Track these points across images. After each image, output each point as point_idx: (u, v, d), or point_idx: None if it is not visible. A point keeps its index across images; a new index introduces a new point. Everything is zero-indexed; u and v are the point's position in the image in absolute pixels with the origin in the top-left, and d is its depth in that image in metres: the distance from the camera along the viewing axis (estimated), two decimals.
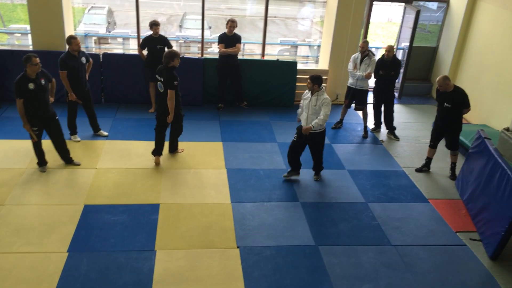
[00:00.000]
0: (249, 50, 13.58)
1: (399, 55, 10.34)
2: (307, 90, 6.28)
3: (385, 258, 5.24)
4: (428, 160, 7.24)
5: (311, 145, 6.45)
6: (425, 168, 7.25)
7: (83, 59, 7.09)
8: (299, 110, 6.52)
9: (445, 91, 6.60)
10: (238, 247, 5.24)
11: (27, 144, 6.57)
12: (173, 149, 7.13)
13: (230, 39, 8.56)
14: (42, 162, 6.46)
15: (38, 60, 5.89)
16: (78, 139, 7.36)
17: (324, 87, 6.09)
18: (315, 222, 5.74)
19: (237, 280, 4.76)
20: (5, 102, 8.38)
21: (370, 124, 8.65)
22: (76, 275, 4.67)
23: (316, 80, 6.05)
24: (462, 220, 6.03)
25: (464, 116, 7.08)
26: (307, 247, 5.34)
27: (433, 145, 7.14)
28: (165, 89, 6.32)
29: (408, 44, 9.82)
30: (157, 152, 6.80)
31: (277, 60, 9.34)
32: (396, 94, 10.15)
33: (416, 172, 7.20)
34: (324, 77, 9.44)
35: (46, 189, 6.08)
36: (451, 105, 6.60)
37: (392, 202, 6.33)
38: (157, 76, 6.42)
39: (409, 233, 5.71)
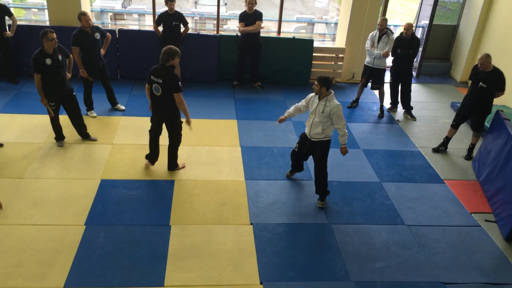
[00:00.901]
0: (265, 27, 13.42)
1: (418, 33, 10.15)
2: (312, 94, 5.48)
3: (398, 238, 5.25)
4: (447, 139, 7.16)
5: (315, 154, 5.63)
6: (442, 147, 7.17)
7: (97, 35, 7.06)
8: (292, 109, 5.72)
9: (484, 70, 6.44)
10: (251, 224, 5.29)
11: (45, 119, 6.67)
12: (173, 166, 6.12)
13: (250, 17, 8.46)
14: (59, 137, 6.56)
15: (54, 35, 5.91)
16: (95, 114, 7.43)
17: (332, 92, 5.34)
18: (329, 200, 5.75)
19: (250, 255, 4.82)
20: (23, 77, 8.48)
21: (387, 103, 8.55)
22: (93, 247, 4.78)
23: (324, 82, 5.22)
24: (477, 201, 5.98)
25: None
26: (320, 225, 5.37)
27: (455, 125, 7.04)
28: (165, 93, 5.41)
29: (427, 22, 9.61)
30: (152, 159, 6.11)
31: (293, 37, 9.23)
32: (414, 73, 10.00)
33: (433, 152, 7.13)
34: (340, 55, 9.35)
35: (63, 163, 6.19)
36: (486, 86, 6.45)
37: (406, 182, 6.29)
38: (152, 77, 5.42)
39: (423, 213, 5.69)
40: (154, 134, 5.92)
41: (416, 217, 5.62)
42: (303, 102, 5.63)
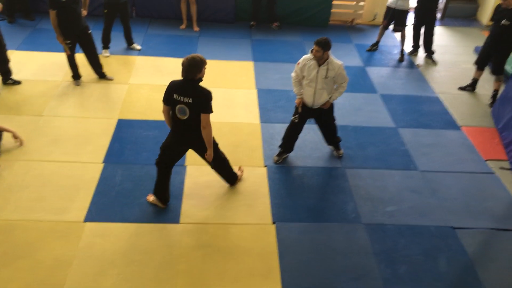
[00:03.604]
0: None
1: None
2: (306, 58, 4.91)
3: (410, 183, 5.29)
4: (474, 80, 7.14)
5: (321, 120, 5.31)
6: (469, 88, 7.18)
7: None
8: (297, 86, 5.10)
9: (507, 7, 6.28)
10: (265, 166, 5.36)
11: (62, 57, 6.67)
12: (234, 180, 5.04)
13: None
14: (76, 75, 6.58)
15: None
16: (108, 54, 7.38)
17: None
18: (343, 145, 5.75)
19: (263, 196, 4.93)
20: (39, 14, 8.40)
21: (408, 47, 8.30)
22: (112, 183, 4.93)
23: (327, 45, 4.69)
24: (493, 149, 5.93)
25: None
26: (333, 169, 5.41)
27: (479, 67, 6.98)
28: (193, 115, 4.15)
29: None
30: (164, 199, 4.72)
31: None
32: (439, 15, 9.61)
33: (459, 89, 7.17)
34: None
35: (81, 102, 6.25)
36: (510, 23, 6.29)
37: (423, 128, 6.24)
38: (175, 96, 4.11)
39: (437, 159, 5.68)
40: (167, 166, 4.61)
41: (430, 163, 5.62)
42: (297, 72, 5.03)
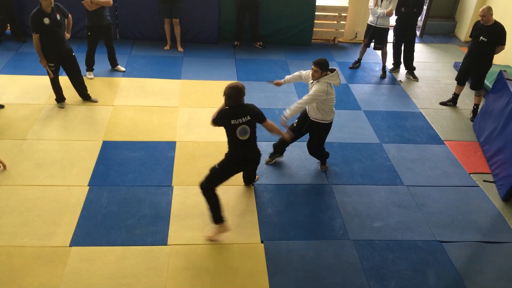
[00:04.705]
0: None
1: None
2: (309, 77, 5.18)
3: (397, 198, 5.33)
4: (455, 96, 7.29)
5: (313, 132, 5.40)
6: (450, 103, 7.32)
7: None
8: (291, 75, 5.41)
9: (485, 23, 6.45)
10: (252, 185, 5.36)
11: (45, 80, 6.64)
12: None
13: None
14: (60, 98, 6.55)
15: None
16: (92, 76, 7.36)
17: (330, 73, 5.02)
18: (329, 161, 5.79)
19: (251, 215, 4.92)
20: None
21: (389, 64, 8.46)
22: (97, 207, 4.87)
23: (325, 66, 4.91)
24: (477, 162, 6.03)
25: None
26: (320, 186, 5.44)
27: (459, 82, 7.15)
28: (252, 132, 4.52)
29: None
30: (221, 219, 4.61)
31: None
32: (418, 33, 9.83)
33: (440, 104, 7.31)
34: (343, 14, 9.18)
35: (65, 124, 6.20)
36: (487, 39, 6.46)
37: (407, 143, 6.32)
38: (233, 122, 4.39)
39: (422, 173, 5.75)
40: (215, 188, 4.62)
41: (415, 177, 5.68)
42: (306, 73, 5.30)
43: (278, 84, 5.54)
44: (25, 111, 6.38)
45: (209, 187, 4.51)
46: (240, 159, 4.60)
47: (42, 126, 6.11)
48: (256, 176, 5.35)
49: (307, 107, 5.26)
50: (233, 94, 4.35)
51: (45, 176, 5.25)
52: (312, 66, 4.96)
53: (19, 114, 6.30)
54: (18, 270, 4.11)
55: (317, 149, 5.53)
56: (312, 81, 5.12)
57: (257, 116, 4.53)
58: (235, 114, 4.40)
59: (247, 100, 4.40)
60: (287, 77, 5.49)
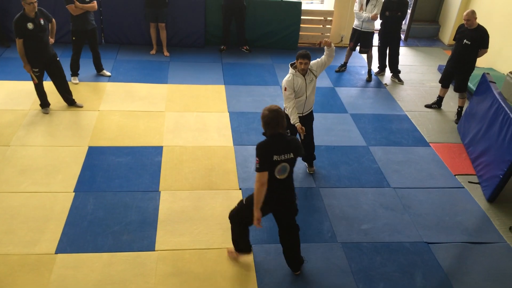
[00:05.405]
0: None
1: None
2: (289, 79, 4.97)
3: (384, 200, 5.36)
4: (440, 98, 7.38)
5: (306, 128, 5.17)
6: (435, 105, 7.41)
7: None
8: (293, 111, 4.96)
9: (469, 27, 6.53)
10: (240, 189, 5.34)
11: (29, 85, 6.56)
12: (298, 266, 4.37)
13: None
14: (44, 103, 6.47)
15: None
16: (77, 81, 7.29)
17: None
18: (316, 164, 5.81)
19: None
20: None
21: (374, 67, 8.53)
22: (83, 213, 4.82)
23: (309, 56, 4.92)
24: (461, 164, 6.10)
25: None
26: (308, 189, 5.45)
27: (443, 85, 7.23)
28: (291, 171, 3.87)
29: None
30: (248, 248, 4.39)
31: (281, 0, 9.06)
32: (402, 36, 9.93)
33: (425, 107, 7.39)
34: (329, 18, 9.25)
35: (50, 130, 6.13)
36: (470, 43, 6.55)
37: (393, 146, 6.37)
38: (275, 157, 3.67)
39: (408, 176, 5.80)
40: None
41: (402, 179, 5.72)
42: (291, 95, 4.98)
43: (302, 130, 4.94)
44: (9, 117, 6.29)
45: (234, 220, 4.16)
46: (273, 198, 3.84)
47: (26, 132, 6.03)
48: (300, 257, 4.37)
49: (305, 106, 5.18)
50: (274, 118, 3.63)
51: (29, 182, 5.18)
52: (301, 60, 4.88)
53: (2, 120, 6.21)
54: (2, 279, 4.04)
55: (312, 142, 5.52)
56: (301, 79, 5.00)
57: (299, 153, 3.84)
58: (277, 149, 3.67)
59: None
60: (294, 119, 4.98)
